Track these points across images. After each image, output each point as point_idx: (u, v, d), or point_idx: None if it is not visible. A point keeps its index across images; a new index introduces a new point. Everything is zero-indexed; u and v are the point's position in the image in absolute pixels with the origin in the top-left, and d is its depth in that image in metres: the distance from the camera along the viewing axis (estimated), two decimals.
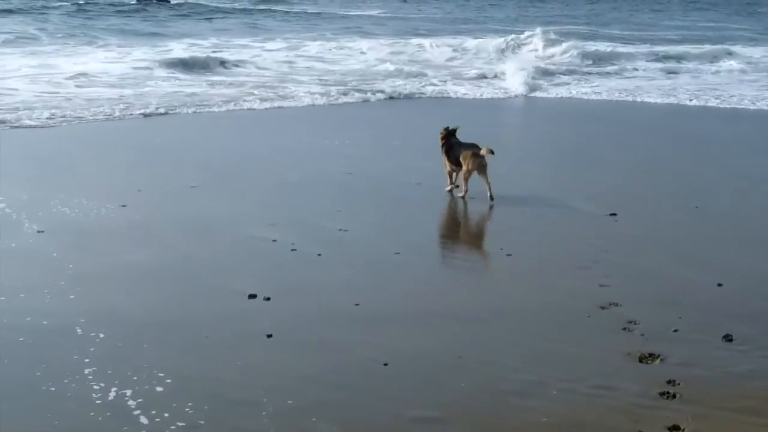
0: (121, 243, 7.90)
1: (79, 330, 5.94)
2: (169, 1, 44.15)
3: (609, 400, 5.13)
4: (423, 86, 19.76)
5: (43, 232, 8.03)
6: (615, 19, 46.86)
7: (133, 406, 4.92)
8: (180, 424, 4.73)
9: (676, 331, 6.10)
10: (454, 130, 9.96)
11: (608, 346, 5.89)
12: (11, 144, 12.21)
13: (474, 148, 9.53)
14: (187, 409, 4.87)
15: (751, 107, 18.37)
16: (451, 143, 9.83)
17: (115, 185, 9.92)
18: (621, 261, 7.65)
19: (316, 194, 9.78)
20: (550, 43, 27.57)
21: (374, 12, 45.81)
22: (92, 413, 4.85)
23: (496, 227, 8.63)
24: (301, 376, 5.35)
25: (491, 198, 9.42)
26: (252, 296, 6.58)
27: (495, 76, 21.70)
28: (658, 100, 19.03)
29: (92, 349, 5.61)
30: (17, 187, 9.54)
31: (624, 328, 6.16)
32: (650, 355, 5.70)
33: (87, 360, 5.46)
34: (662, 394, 5.18)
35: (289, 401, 5.02)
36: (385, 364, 5.50)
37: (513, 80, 20.57)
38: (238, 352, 5.67)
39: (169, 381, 5.20)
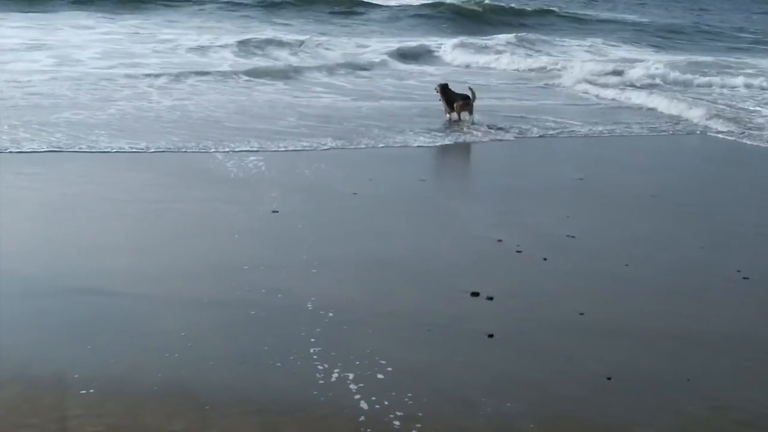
0: (354, 229, 8.14)
1: (309, 306, 6.14)
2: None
3: None
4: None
5: (277, 212, 8.35)
6: None
7: (354, 390, 5.00)
8: (398, 413, 4.77)
9: None
10: (446, 85, 14.37)
11: None
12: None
13: (466, 98, 14.05)
14: (406, 400, 4.91)
15: None
16: (448, 93, 14.17)
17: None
18: None
19: (543, 198, 9.66)
20: None
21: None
22: (315, 392, 4.98)
23: (734, 248, 8.19)
24: (520, 381, 5.27)
25: (473, 122, 13.89)
26: (474, 294, 6.54)
27: None
28: None
29: (318, 329, 5.76)
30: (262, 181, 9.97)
31: None
32: None
33: (313, 340, 5.61)
34: None
35: (508, 404, 4.96)
36: (609, 378, 5.33)
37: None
38: (459, 349, 5.66)
39: (390, 369, 5.25)
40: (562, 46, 27.82)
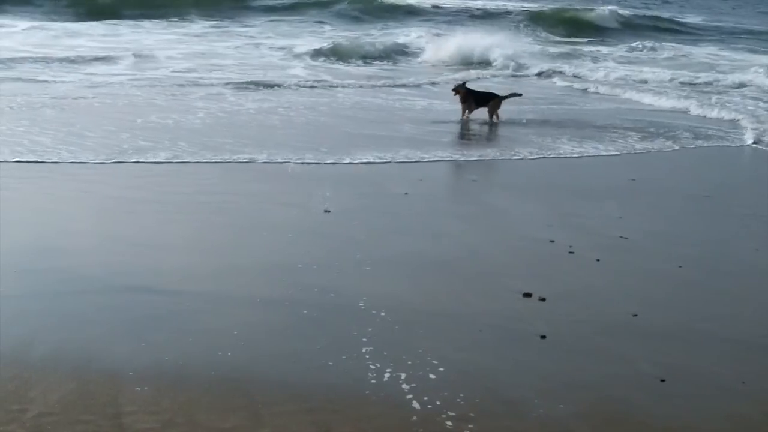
0: (405, 229, 8.15)
1: (362, 305, 6.15)
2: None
3: None
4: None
5: (329, 212, 8.39)
6: None
7: (406, 390, 4.99)
8: (451, 413, 4.76)
9: None
10: (464, 83, 14.25)
11: None
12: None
13: (494, 96, 14.16)
14: (458, 400, 4.89)
15: None
16: (473, 93, 14.05)
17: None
18: None
19: (595, 199, 9.59)
20: None
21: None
22: (367, 392, 4.98)
23: None
24: (573, 382, 5.23)
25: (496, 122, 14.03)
26: (527, 295, 6.51)
27: None
28: None
29: (370, 328, 5.77)
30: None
31: None
32: None
33: (365, 339, 5.61)
34: None
35: (560, 406, 4.92)
36: (662, 381, 5.27)
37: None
38: (511, 350, 5.64)
39: (442, 370, 5.24)
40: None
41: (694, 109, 16.31)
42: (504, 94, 14.34)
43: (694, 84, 19.90)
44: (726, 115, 15.82)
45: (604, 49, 26.71)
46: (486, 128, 13.86)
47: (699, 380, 5.36)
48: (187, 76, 17.55)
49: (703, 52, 27.24)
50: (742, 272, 7.47)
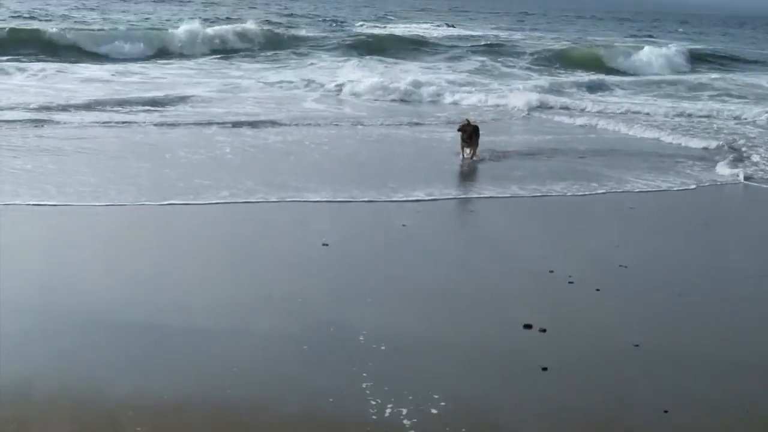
0: (404, 259, 8.15)
1: (362, 339, 6.13)
2: None
3: None
4: None
5: (327, 245, 8.36)
6: None
7: (407, 425, 4.96)
8: None
9: None
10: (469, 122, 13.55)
11: None
12: None
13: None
14: None
15: None
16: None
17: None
18: None
19: (594, 227, 9.60)
20: None
21: None
22: (368, 429, 4.95)
23: None
24: (576, 415, 5.20)
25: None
26: (527, 326, 6.48)
27: None
28: None
29: (370, 364, 5.74)
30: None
31: None
32: None
33: (365, 374, 5.58)
34: None
35: None
36: (665, 411, 5.24)
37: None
38: (513, 383, 5.62)
39: (443, 404, 5.21)
40: None
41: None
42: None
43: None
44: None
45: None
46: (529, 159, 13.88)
47: (702, 408, 5.35)
48: (212, 111, 17.39)
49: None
50: (742, 298, 7.47)
